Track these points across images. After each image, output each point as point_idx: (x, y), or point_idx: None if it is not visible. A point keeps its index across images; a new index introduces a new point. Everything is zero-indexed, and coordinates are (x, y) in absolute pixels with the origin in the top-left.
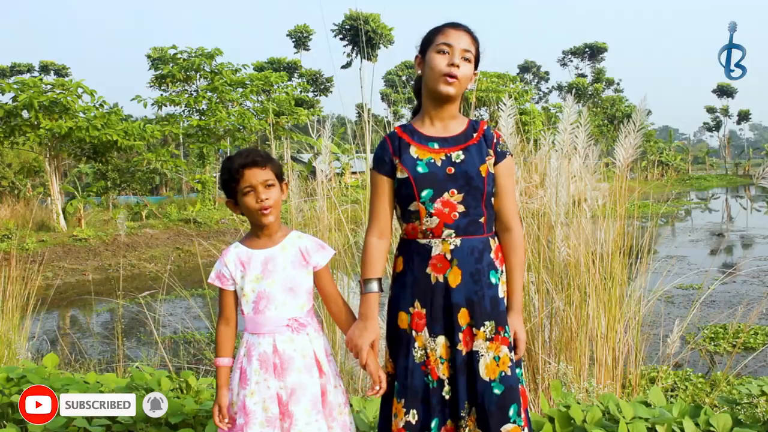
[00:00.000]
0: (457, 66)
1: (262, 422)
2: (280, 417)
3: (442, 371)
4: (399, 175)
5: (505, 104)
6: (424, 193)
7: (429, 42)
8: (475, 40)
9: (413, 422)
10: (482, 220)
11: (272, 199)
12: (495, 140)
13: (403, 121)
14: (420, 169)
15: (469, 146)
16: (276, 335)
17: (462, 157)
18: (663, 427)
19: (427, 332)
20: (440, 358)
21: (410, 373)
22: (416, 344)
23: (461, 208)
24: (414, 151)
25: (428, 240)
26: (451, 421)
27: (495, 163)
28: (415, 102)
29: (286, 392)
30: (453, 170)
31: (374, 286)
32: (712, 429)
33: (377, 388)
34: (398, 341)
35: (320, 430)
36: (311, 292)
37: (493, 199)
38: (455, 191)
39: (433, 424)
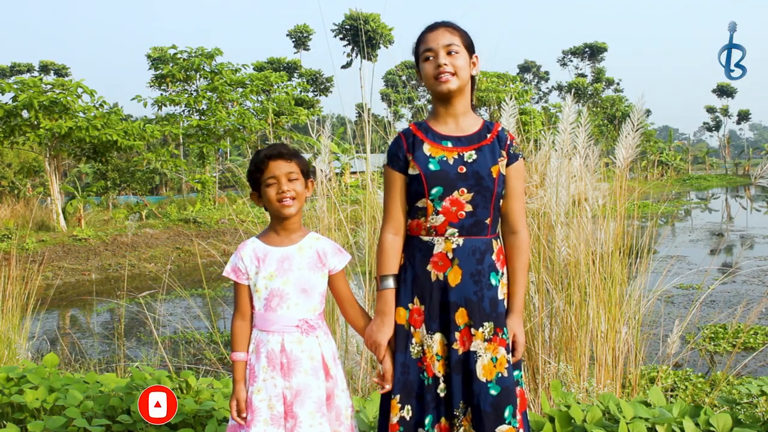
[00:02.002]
0: (444, 64)
1: (267, 420)
2: (284, 416)
3: (438, 369)
4: (411, 171)
5: (507, 103)
6: (434, 191)
7: (417, 55)
8: (456, 30)
9: (407, 418)
10: (488, 221)
11: (294, 191)
12: (508, 142)
13: (403, 121)
14: (432, 167)
15: (482, 146)
16: (285, 335)
17: (474, 156)
18: (663, 427)
19: (425, 329)
20: (436, 355)
21: (406, 368)
22: (414, 340)
23: (469, 208)
24: (427, 148)
25: (431, 237)
26: (445, 419)
27: (507, 165)
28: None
29: (291, 393)
30: (464, 169)
31: (390, 282)
32: (712, 429)
33: (387, 387)
34: (396, 336)
35: None
36: (324, 295)
37: (501, 200)
38: (465, 190)
39: (426, 421)
